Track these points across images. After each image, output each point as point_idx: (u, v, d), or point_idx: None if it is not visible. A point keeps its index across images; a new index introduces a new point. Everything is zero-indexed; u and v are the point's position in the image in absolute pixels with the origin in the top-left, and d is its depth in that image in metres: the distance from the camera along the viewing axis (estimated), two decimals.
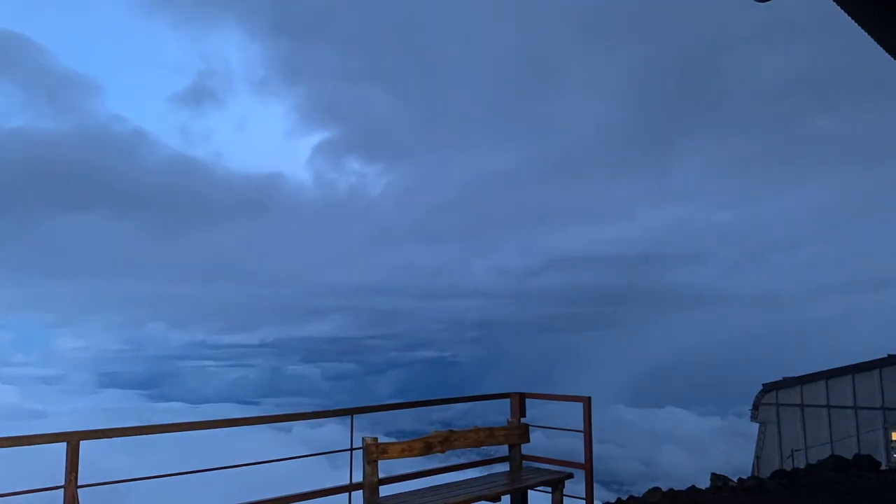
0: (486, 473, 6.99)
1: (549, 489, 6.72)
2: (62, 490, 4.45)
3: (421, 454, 5.92)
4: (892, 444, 19.63)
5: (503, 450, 7.23)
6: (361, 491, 5.65)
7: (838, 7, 2.91)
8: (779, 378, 22.31)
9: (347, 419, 6.24)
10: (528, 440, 7.12)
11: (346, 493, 5.97)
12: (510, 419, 7.29)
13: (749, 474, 18.44)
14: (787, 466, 17.63)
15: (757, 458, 22.27)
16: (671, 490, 9.38)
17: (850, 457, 11.56)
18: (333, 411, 6.47)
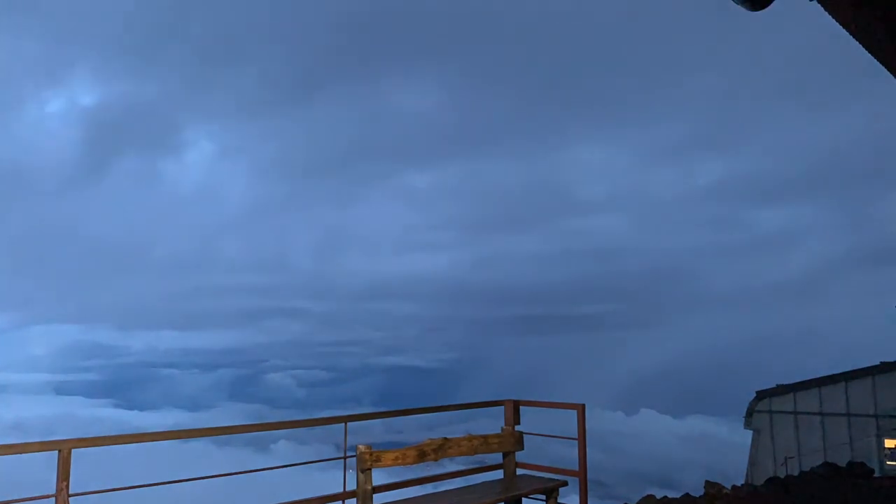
0: (479, 482, 6.98)
1: (543, 497, 6.72)
2: (53, 499, 4.43)
3: (414, 462, 5.90)
4: (886, 452, 19.69)
5: (497, 457, 7.22)
6: (355, 499, 5.64)
7: (833, 17, 2.93)
8: (772, 385, 22.38)
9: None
10: (521, 448, 7.11)
11: (340, 502, 5.96)
12: (504, 426, 7.28)
13: (743, 482, 18.47)
14: (781, 473, 17.66)
15: (750, 465, 22.29)
16: (665, 497, 9.39)
17: (843, 464, 11.59)
18: (326, 419, 6.45)
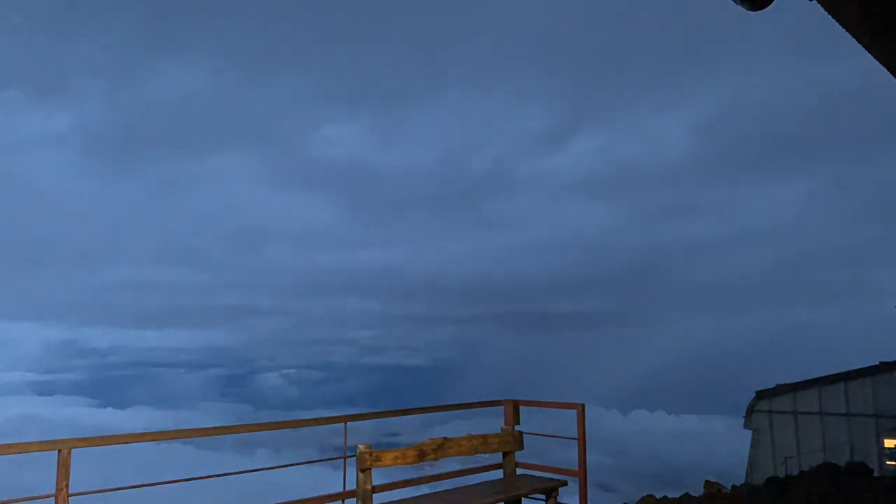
0: (479, 481, 6.98)
1: (543, 497, 6.72)
2: (53, 499, 4.42)
3: (414, 462, 5.90)
4: (885, 452, 19.70)
5: (497, 457, 7.22)
6: (355, 499, 5.64)
7: (834, 20, 2.93)
8: (772, 385, 22.39)
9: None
10: (521, 447, 7.11)
11: (340, 501, 5.96)
12: (504, 426, 7.28)
13: (742, 481, 18.47)
14: (781, 473, 17.66)
15: (750, 465, 22.29)
16: (665, 497, 9.40)
17: (842, 464, 11.60)
18: (325, 419, 6.45)
